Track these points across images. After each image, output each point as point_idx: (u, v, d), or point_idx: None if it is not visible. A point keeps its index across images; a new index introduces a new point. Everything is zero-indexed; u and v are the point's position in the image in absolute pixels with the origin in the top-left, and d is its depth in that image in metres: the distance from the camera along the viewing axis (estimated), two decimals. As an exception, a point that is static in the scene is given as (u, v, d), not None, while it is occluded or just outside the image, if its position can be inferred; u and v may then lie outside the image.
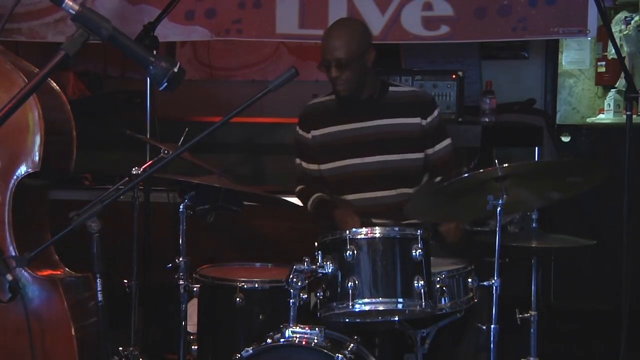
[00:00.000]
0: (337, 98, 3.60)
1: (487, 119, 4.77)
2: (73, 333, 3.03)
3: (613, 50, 4.05)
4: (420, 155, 3.58)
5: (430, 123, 3.57)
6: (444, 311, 2.98)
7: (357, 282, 2.79)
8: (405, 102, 3.59)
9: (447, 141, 3.62)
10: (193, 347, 3.26)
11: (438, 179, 3.58)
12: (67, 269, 3.23)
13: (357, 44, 3.47)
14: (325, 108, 3.64)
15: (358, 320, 2.96)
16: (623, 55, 4.27)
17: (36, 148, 3.05)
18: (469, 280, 3.05)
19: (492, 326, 2.87)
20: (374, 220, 3.47)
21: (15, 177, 3.06)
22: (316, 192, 3.61)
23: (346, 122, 3.57)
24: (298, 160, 3.70)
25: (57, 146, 3.17)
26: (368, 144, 3.54)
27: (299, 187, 3.70)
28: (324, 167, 3.61)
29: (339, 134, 3.58)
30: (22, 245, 3.07)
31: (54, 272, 3.16)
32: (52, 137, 3.11)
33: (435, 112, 3.60)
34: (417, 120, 3.56)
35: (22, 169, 3.06)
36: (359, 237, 2.84)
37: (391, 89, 3.63)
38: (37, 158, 3.05)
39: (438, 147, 3.59)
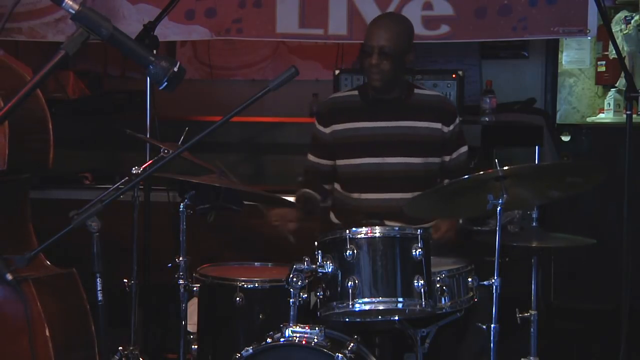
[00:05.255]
0: (361, 95, 3.59)
1: (487, 119, 4.78)
2: (47, 334, 3.01)
3: (613, 50, 4.05)
4: (437, 160, 3.58)
5: (452, 131, 3.58)
6: (444, 311, 2.98)
7: (357, 281, 2.79)
8: (429, 107, 3.58)
9: (464, 148, 3.63)
10: (193, 346, 3.26)
11: (446, 181, 3.57)
12: (49, 263, 3.20)
13: (403, 39, 3.48)
14: (347, 103, 3.62)
15: (358, 319, 2.95)
16: (623, 55, 4.27)
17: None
18: (469, 279, 3.05)
19: (492, 325, 2.86)
20: (387, 222, 3.43)
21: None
22: (306, 187, 3.57)
23: (369, 120, 3.56)
24: (310, 155, 3.68)
25: (30, 143, 3.15)
26: (389, 144, 3.53)
27: (299, 179, 3.69)
28: (340, 162, 3.59)
29: (360, 130, 3.56)
30: (4, 243, 3.05)
31: (32, 271, 3.12)
32: (24, 135, 3.08)
33: (457, 121, 3.61)
34: (438, 125, 3.56)
35: None
36: (359, 236, 2.83)
37: (416, 91, 3.62)
38: (1, 157, 3.04)
39: (455, 154, 3.60)
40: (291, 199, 3.61)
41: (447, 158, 3.60)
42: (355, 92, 3.64)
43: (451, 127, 3.58)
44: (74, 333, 3.14)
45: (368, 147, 3.54)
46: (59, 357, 3.03)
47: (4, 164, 3.04)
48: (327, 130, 3.60)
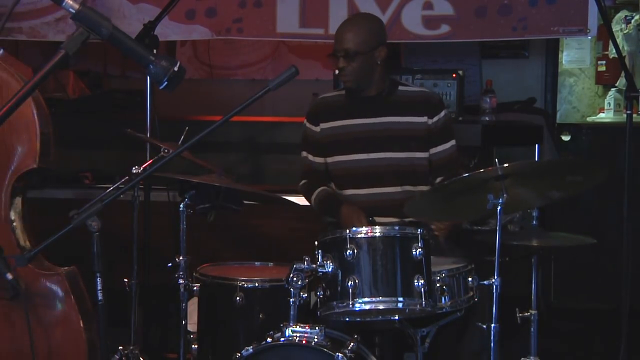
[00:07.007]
0: (346, 93, 3.64)
1: (487, 118, 4.77)
2: (81, 325, 3.04)
3: (613, 49, 4.06)
4: (425, 154, 3.59)
5: (435, 123, 3.58)
6: (444, 310, 2.97)
7: (357, 281, 2.78)
8: (413, 101, 3.60)
9: (451, 143, 3.62)
10: (193, 346, 3.26)
11: (439, 179, 3.57)
12: (48, 262, 3.22)
13: (367, 37, 3.50)
14: (334, 102, 3.67)
15: (358, 319, 2.95)
16: (623, 54, 4.27)
17: (33, 145, 3.07)
18: (469, 279, 3.04)
19: (492, 325, 2.86)
20: (377, 218, 3.48)
21: (15, 174, 3.08)
22: (320, 186, 3.62)
23: (354, 117, 3.59)
24: (304, 153, 3.71)
25: (45, 144, 3.18)
26: (374, 140, 3.56)
27: (302, 181, 3.71)
28: (330, 160, 3.63)
29: (346, 128, 3.59)
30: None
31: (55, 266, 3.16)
32: (42, 135, 3.12)
33: (442, 113, 3.60)
34: (423, 119, 3.57)
35: (22, 166, 3.07)
36: (359, 236, 2.83)
37: (400, 87, 3.65)
38: (36, 154, 3.07)
39: (441, 147, 3.59)
40: (291, 198, 3.62)
41: (432, 151, 3.59)
42: (342, 92, 3.68)
43: (435, 119, 3.58)
44: (93, 327, 3.16)
45: (354, 143, 3.57)
46: (90, 350, 3.04)
47: (35, 161, 3.06)
48: (317, 128, 3.65)
